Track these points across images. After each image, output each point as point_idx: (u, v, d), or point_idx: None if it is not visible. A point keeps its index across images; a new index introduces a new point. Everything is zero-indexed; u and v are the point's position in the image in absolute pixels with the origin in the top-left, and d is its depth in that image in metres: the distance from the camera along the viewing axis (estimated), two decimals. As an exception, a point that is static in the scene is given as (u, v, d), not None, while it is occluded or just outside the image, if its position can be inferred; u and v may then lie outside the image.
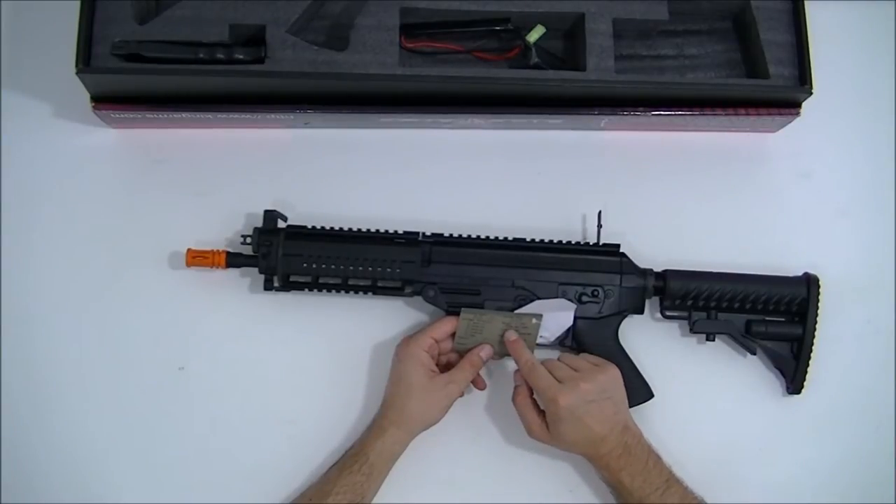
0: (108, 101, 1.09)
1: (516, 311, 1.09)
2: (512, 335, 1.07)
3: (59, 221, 1.15)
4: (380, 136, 1.18)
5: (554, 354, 1.12)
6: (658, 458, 1.04)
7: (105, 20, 1.06)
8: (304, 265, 1.08)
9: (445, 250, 1.10)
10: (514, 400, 1.07)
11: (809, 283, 1.11)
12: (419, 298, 1.10)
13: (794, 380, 1.12)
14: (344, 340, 1.13)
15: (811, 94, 1.11)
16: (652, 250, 1.15)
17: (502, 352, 1.09)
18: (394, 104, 1.12)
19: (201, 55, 1.06)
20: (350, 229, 1.11)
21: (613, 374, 1.05)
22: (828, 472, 1.14)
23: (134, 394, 1.11)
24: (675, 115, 1.14)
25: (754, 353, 1.13)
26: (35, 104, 1.17)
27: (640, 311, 1.11)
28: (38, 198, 1.15)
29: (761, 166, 1.21)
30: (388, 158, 1.18)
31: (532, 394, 1.06)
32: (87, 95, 1.09)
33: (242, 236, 1.10)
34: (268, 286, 1.10)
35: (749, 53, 1.16)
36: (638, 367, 1.10)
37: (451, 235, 1.11)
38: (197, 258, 1.10)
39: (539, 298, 1.09)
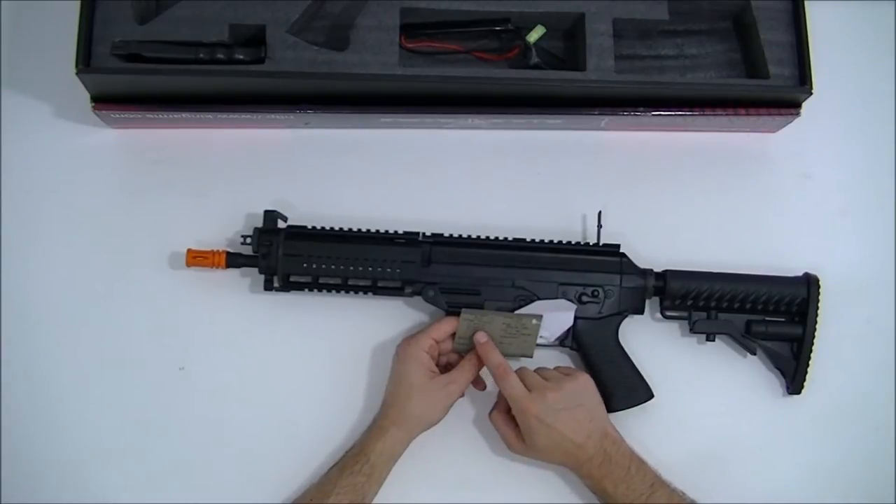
0: (108, 101, 1.09)
1: (516, 312, 1.09)
2: (482, 337, 1.07)
3: (58, 222, 1.15)
4: (380, 136, 1.18)
5: (555, 354, 1.13)
6: (641, 463, 1.04)
7: (105, 20, 1.06)
8: (304, 265, 1.08)
9: (445, 250, 1.10)
10: (489, 416, 1.08)
11: (809, 283, 1.11)
12: (419, 298, 1.10)
13: (794, 380, 1.12)
14: (344, 341, 1.13)
15: (811, 94, 1.11)
16: (652, 250, 1.15)
17: (503, 352, 1.09)
18: (394, 104, 1.12)
19: (201, 55, 1.06)
20: (350, 229, 1.11)
21: (583, 382, 1.05)
22: (828, 473, 1.13)
23: (134, 394, 1.11)
24: (675, 115, 1.14)
25: (754, 353, 1.13)
26: (35, 104, 1.17)
27: (640, 312, 1.11)
28: (38, 198, 1.15)
29: (761, 166, 1.21)
30: (388, 158, 1.18)
31: (508, 410, 1.06)
32: (87, 95, 1.09)
33: (242, 236, 1.10)
34: (268, 286, 1.10)
35: (749, 53, 1.16)
36: (638, 367, 1.10)
37: (451, 235, 1.11)
38: (197, 258, 1.10)
39: (539, 299, 1.09)
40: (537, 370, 1.07)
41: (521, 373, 1.05)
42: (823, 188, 1.21)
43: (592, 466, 1.02)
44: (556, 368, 1.08)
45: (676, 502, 1.02)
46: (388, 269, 1.09)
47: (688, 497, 1.04)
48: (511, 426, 1.05)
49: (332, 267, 1.08)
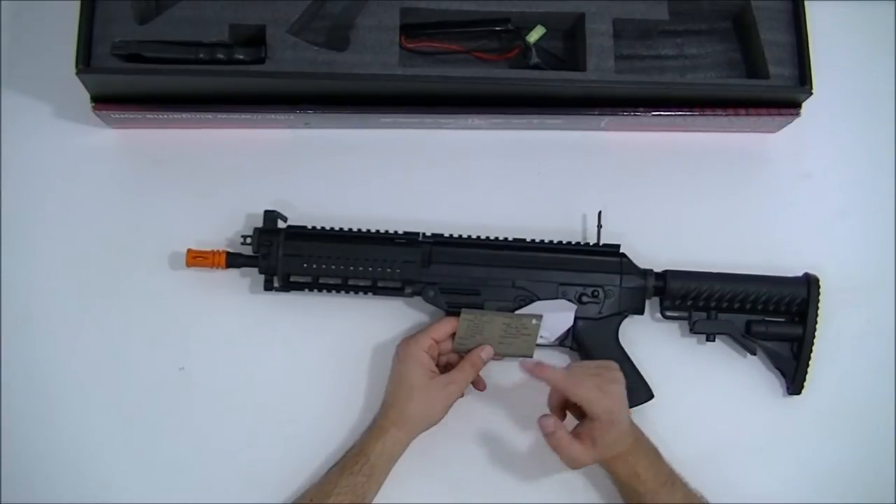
0: (108, 101, 1.09)
1: (516, 312, 1.09)
2: (529, 363, 1.02)
3: (58, 222, 1.15)
4: (380, 136, 1.18)
5: (554, 355, 1.13)
6: (658, 451, 1.05)
7: (105, 20, 1.06)
8: (304, 265, 1.08)
9: (445, 250, 1.10)
10: (550, 442, 1.00)
11: (809, 284, 1.11)
12: (419, 299, 1.10)
13: (794, 380, 1.12)
14: (344, 341, 1.13)
15: (811, 94, 1.11)
16: (652, 250, 1.15)
17: (502, 352, 1.09)
18: (394, 104, 1.12)
19: (201, 55, 1.06)
20: (350, 229, 1.11)
21: (614, 366, 1.05)
22: (828, 472, 1.14)
23: (134, 394, 1.11)
24: (675, 115, 1.14)
25: (754, 354, 1.13)
26: (35, 104, 1.17)
27: (640, 312, 1.11)
28: (38, 198, 1.15)
29: (761, 166, 1.21)
30: (388, 158, 1.18)
31: (563, 428, 1.01)
32: (87, 95, 1.09)
33: (242, 236, 1.10)
34: (268, 286, 1.10)
35: (749, 53, 1.16)
36: (638, 367, 1.10)
37: (451, 235, 1.11)
38: (197, 258, 1.10)
39: (539, 299, 1.09)
40: (575, 367, 1.05)
41: (578, 370, 1.04)
42: (823, 188, 1.21)
43: (630, 452, 1.01)
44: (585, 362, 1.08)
45: (691, 495, 1.03)
46: (388, 269, 1.09)
47: (691, 485, 1.04)
48: (576, 442, 1.00)
49: (332, 267, 1.08)
